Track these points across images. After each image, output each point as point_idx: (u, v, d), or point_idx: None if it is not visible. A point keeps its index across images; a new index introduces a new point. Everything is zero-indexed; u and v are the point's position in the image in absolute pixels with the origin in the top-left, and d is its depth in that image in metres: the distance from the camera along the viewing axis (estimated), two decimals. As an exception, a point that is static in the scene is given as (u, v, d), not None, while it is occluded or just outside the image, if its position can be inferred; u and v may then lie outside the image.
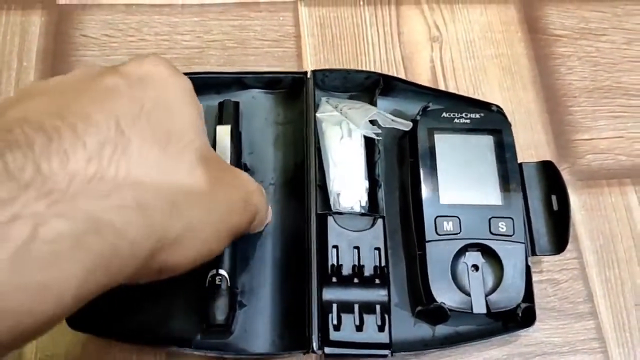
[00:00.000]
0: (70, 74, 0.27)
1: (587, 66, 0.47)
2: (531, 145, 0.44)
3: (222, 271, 0.35)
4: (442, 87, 0.46)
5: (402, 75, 0.46)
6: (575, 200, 0.42)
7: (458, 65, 0.47)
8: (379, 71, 0.45)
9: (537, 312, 0.36)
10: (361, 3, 0.49)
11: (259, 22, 0.47)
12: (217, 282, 0.35)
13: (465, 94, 0.44)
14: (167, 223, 0.24)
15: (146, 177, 0.23)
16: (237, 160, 0.39)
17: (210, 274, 0.35)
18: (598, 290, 0.40)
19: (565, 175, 0.43)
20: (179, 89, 0.28)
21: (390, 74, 0.45)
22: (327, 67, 0.46)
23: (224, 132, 0.38)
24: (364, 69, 0.46)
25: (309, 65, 0.46)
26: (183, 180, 0.25)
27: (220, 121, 0.40)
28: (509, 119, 0.40)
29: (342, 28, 0.48)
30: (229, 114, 0.40)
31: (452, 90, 0.45)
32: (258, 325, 0.37)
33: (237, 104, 0.41)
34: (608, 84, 0.47)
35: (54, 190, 0.21)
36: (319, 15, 0.48)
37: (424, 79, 0.46)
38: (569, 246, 0.38)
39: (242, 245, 0.38)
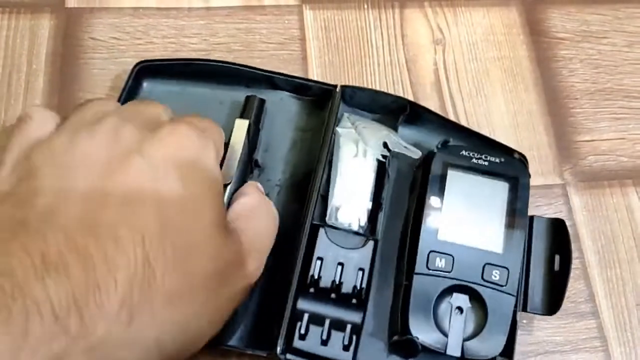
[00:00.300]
0: (88, 132, 0.27)
1: (589, 68, 0.48)
2: (533, 146, 0.45)
3: None
4: (445, 89, 0.46)
5: (405, 78, 0.46)
6: (577, 201, 0.43)
7: (461, 67, 0.48)
8: (383, 73, 0.46)
9: (539, 311, 0.37)
10: (365, 6, 0.49)
11: (264, 25, 0.48)
12: None
13: (470, 99, 0.45)
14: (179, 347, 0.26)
15: (169, 318, 0.25)
16: (249, 156, 0.39)
17: None
18: (599, 290, 0.41)
19: (567, 176, 0.44)
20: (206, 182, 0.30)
21: (394, 76, 0.46)
22: (332, 69, 0.46)
23: (241, 126, 0.38)
24: (367, 72, 0.47)
25: (314, 67, 0.46)
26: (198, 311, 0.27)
27: (242, 114, 0.40)
28: (511, 121, 0.41)
29: (346, 31, 0.48)
30: (251, 109, 0.40)
31: (455, 93, 0.46)
32: (233, 321, 0.36)
33: (262, 101, 0.41)
34: (609, 86, 0.47)
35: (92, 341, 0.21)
36: (324, 19, 0.48)
37: (427, 82, 0.46)
38: (570, 246, 0.38)
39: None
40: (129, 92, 0.41)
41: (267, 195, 0.40)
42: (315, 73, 0.46)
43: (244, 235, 0.32)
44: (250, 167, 0.40)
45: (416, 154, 0.39)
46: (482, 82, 0.47)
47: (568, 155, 0.45)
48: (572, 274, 0.40)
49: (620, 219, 0.43)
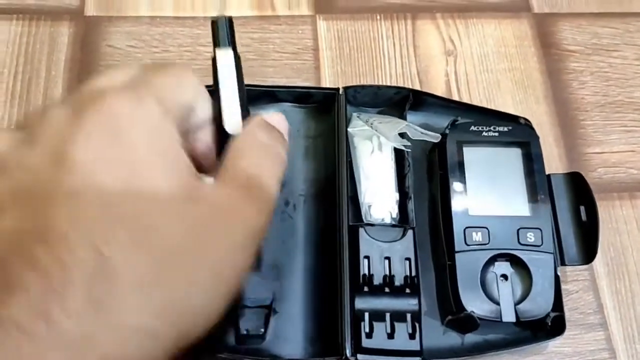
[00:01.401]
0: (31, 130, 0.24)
1: (599, 81, 0.48)
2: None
3: None
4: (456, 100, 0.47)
5: (417, 88, 0.47)
6: (586, 213, 0.43)
7: (472, 78, 0.48)
8: (395, 84, 0.47)
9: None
10: (378, 17, 0.50)
11: (278, 35, 0.48)
12: None
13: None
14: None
15: (146, 303, 0.22)
16: (243, 93, 0.30)
17: None
18: (608, 302, 0.41)
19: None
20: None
21: (407, 87, 0.46)
22: (344, 79, 0.47)
23: (225, 58, 0.30)
24: (380, 82, 0.47)
25: (327, 77, 0.47)
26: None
27: (218, 43, 0.31)
28: (523, 131, 0.41)
29: (359, 41, 0.49)
30: (225, 34, 0.31)
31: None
32: (290, 332, 0.38)
33: (231, 22, 0.31)
34: (620, 99, 0.48)
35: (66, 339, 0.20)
36: (337, 29, 0.49)
37: (439, 92, 0.47)
38: (579, 258, 0.39)
39: (273, 253, 0.39)
40: None
41: (293, 206, 0.41)
42: (328, 82, 0.47)
43: (240, 173, 0.27)
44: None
45: (436, 137, 0.40)
46: (493, 93, 0.48)
47: (578, 166, 0.45)
48: (581, 285, 0.41)
49: (630, 231, 0.43)
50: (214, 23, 0.31)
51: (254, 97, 0.43)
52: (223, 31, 0.31)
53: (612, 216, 0.44)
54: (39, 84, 0.45)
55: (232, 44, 0.31)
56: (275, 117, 0.30)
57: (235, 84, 0.30)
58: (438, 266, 0.40)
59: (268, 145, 0.28)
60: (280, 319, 0.38)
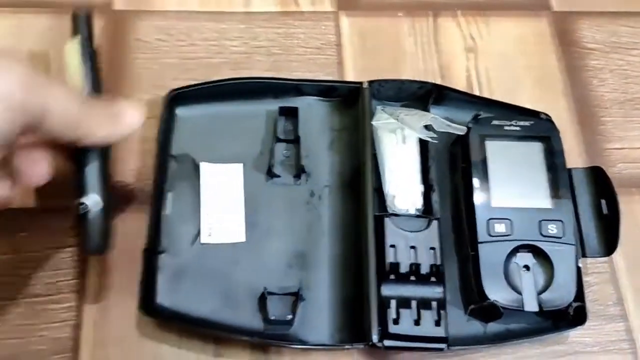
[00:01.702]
0: None
1: (619, 79, 0.49)
2: (563, 153, 0.46)
3: (83, 199, 0.35)
4: (477, 96, 0.48)
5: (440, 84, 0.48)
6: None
7: (492, 75, 0.49)
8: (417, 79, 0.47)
9: (568, 312, 0.38)
10: (400, 14, 0.51)
11: (302, 31, 0.49)
12: (81, 211, 0.35)
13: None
14: None
15: None
16: (95, 78, 0.37)
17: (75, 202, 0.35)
18: (628, 294, 0.42)
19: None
20: None
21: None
22: (366, 74, 0.48)
23: (72, 49, 0.37)
24: (402, 77, 0.48)
25: (350, 72, 0.48)
26: None
27: (75, 33, 0.37)
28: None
29: (381, 37, 0.50)
30: (82, 27, 0.38)
31: (487, 99, 0.47)
32: (316, 319, 0.39)
33: (89, 16, 0.39)
34: (639, 96, 0.48)
35: None
36: (360, 25, 0.50)
37: (460, 88, 0.47)
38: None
39: (299, 243, 0.41)
40: (166, 121, 0.42)
41: (318, 197, 0.42)
42: (351, 77, 0.48)
43: None
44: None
45: (461, 130, 0.41)
46: (513, 89, 0.48)
47: (597, 162, 0.46)
48: (601, 278, 0.42)
49: (649, 225, 0.44)
50: (74, 16, 0.38)
51: (281, 91, 0.44)
52: (82, 24, 0.38)
53: (631, 210, 0.44)
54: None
55: (89, 36, 0.38)
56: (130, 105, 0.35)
57: (83, 66, 0.36)
58: (460, 257, 0.41)
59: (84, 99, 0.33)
60: (308, 306, 0.39)
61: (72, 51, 0.37)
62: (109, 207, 0.36)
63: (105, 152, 0.36)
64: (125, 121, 0.35)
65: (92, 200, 0.35)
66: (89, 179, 0.35)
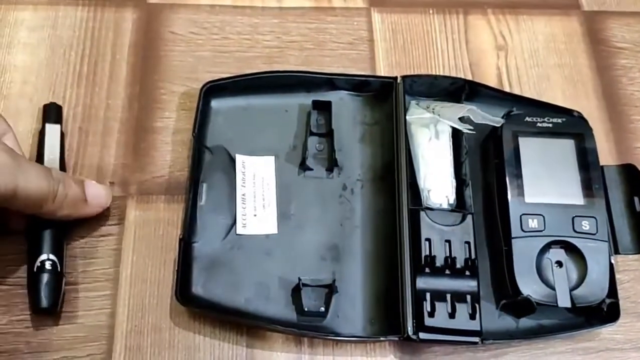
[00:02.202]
0: None
1: (648, 78, 0.49)
2: (593, 151, 0.46)
3: (44, 256, 0.38)
4: (506, 94, 0.48)
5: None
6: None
7: (523, 73, 0.49)
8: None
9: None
10: (431, 12, 0.51)
11: (334, 26, 0.50)
12: (46, 267, 0.37)
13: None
14: None
15: None
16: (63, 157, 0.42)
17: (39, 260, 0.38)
18: (660, 292, 0.42)
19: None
20: None
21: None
22: (398, 70, 0.48)
23: (54, 132, 0.42)
24: (432, 73, 0.48)
25: (382, 67, 0.48)
26: None
27: (47, 121, 0.42)
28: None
29: (412, 34, 0.50)
30: (53, 115, 0.43)
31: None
32: (350, 311, 0.39)
33: (59, 107, 0.43)
34: (669, 96, 0.48)
35: None
36: (391, 22, 0.50)
37: (491, 85, 0.48)
38: (630, 247, 0.40)
39: (331, 235, 0.41)
40: (201, 113, 0.42)
41: (351, 190, 0.42)
42: (383, 72, 0.48)
43: None
44: None
45: (498, 122, 0.41)
46: (543, 87, 0.49)
47: (627, 160, 0.45)
48: (632, 275, 0.42)
49: (680, 224, 0.44)
50: (46, 106, 0.43)
51: (314, 84, 0.45)
52: (52, 113, 0.43)
53: (662, 209, 0.44)
54: (105, 67, 0.46)
55: (59, 122, 0.43)
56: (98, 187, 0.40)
57: (58, 149, 0.41)
58: (493, 252, 0.41)
59: (55, 178, 0.36)
60: (341, 298, 0.39)
61: (51, 134, 0.42)
62: (63, 268, 0.38)
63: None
64: (92, 204, 0.39)
65: (48, 260, 0.37)
66: (46, 239, 0.38)
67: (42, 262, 0.37)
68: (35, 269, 0.37)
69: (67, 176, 0.38)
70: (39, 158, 0.41)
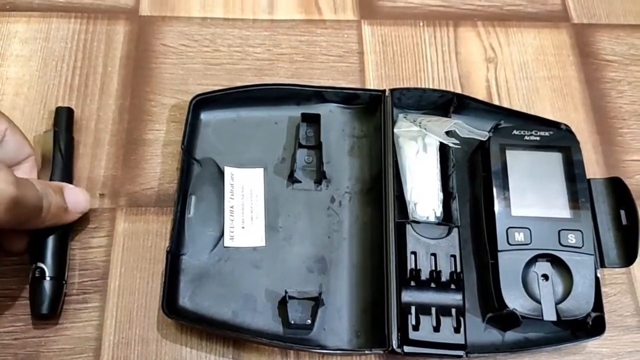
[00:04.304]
0: None
1: (637, 91, 0.50)
2: (581, 164, 0.46)
3: (40, 264, 0.38)
4: (496, 106, 0.48)
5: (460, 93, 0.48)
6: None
7: (512, 85, 0.49)
8: (437, 88, 0.48)
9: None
10: (421, 24, 0.51)
11: (324, 39, 0.50)
12: (36, 275, 0.38)
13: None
14: None
15: None
16: (66, 164, 0.42)
17: (32, 267, 0.38)
18: (646, 305, 0.42)
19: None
20: None
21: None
22: (388, 82, 0.48)
23: (48, 138, 0.42)
24: (422, 86, 0.49)
25: (371, 80, 0.49)
26: None
27: (56, 125, 0.43)
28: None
29: (402, 46, 0.50)
30: (58, 121, 0.43)
31: (506, 109, 0.48)
32: (336, 323, 0.39)
33: (70, 110, 0.44)
34: (658, 109, 0.49)
35: None
36: (381, 34, 0.51)
37: (480, 98, 0.48)
38: (616, 261, 0.40)
39: (319, 248, 0.41)
40: (191, 126, 0.43)
41: (339, 203, 0.43)
42: (372, 85, 0.48)
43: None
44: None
45: (484, 135, 0.42)
46: (532, 99, 0.49)
47: (615, 173, 0.46)
48: (618, 289, 0.42)
49: (667, 237, 0.44)
50: (57, 110, 0.43)
51: (304, 97, 0.45)
52: (62, 117, 0.43)
53: (648, 223, 0.44)
54: (96, 79, 0.47)
55: (67, 128, 0.43)
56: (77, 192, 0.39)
57: (50, 159, 0.41)
58: (479, 265, 0.41)
59: (41, 191, 0.36)
60: (328, 311, 0.39)
61: (48, 140, 0.42)
62: (63, 274, 0.39)
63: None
64: (72, 211, 0.39)
65: (48, 266, 0.38)
66: (47, 245, 0.38)
67: (42, 269, 0.38)
68: (35, 276, 0.38)
69: (47, 185, 0.37)
70: (45, 163, 0.41)
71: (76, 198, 0.39)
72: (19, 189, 0.33)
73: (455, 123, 0.41)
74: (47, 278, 0.38)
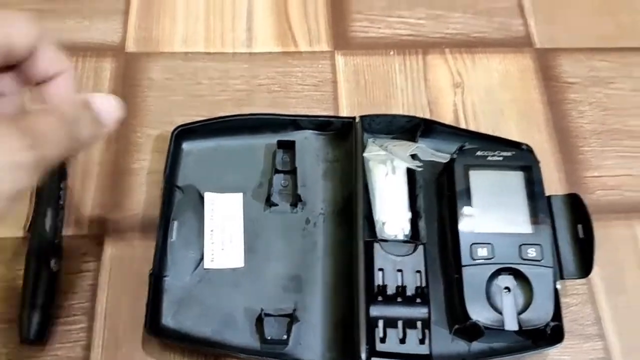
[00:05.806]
0: None
1: (597, 111, 0.52)
2: (545, 182, 0.48)
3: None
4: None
5: (427, 117, 0.51)
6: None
7: (478, 109, 0.52)
8: (407, 113, 0.51)
9: (548, 332, 0.41)
10: (391, 53, 0.54)
11: (300, 69, 0.53)
12: (37, 301, 0.40)
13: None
14: None
15: None
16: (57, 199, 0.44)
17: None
18: (605, 314, 0.44)
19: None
20: None
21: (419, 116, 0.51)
22: (360, 109, 0.51)
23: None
24: (393, 111, 0.51)
25: (344, 107, 0.51)
26: None
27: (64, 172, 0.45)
28: (527, 157, 0.45)
29: (374, 74, 0.53)
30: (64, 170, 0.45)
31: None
32: (310, 338, 0.42)
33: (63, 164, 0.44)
34: (617, 127, 0.51)
35: None
36: (354, 63, 0.54)
37: (447, 121, 0.51)
38: (577, 272, 0.42)
39: (294, 267, 0.44)
40: (173, 155, 0.46)
41: (314, 224, 0.45)
42: (346, 112, 0.51)
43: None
44: None
45: (444, 158, 0.44)
46: (498, 122, 0.52)
47: (577, 189, 0.48)
48: (580, 299, 0.44)
49: (626, 250, 0.46)
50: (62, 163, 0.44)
51: (280, 125, 0.48)
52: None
53: (609, 235, 0.47)
54: (85, 114, 0.49)
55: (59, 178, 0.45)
56: (104, 101, 0.33)
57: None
58: (446, 280, 0.43)
59: (72, 119, 0.30)
60: (302, 327, 0.42)
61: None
62: (52, 301, 0.41)
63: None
64: (109, 121, 0.33)
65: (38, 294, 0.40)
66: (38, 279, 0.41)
67: (34, 297, 0.40)
68: (26, 301, 0.40)
69: (73, 106, 0.31)
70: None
71: (106, 107, 0.33)
72: (36, 148, 0.27)
73: (418, 147, 0.44)
74: (37, 304, 0.40)
